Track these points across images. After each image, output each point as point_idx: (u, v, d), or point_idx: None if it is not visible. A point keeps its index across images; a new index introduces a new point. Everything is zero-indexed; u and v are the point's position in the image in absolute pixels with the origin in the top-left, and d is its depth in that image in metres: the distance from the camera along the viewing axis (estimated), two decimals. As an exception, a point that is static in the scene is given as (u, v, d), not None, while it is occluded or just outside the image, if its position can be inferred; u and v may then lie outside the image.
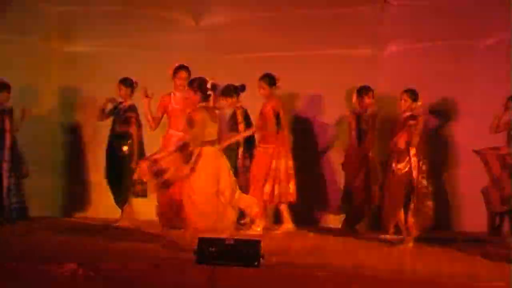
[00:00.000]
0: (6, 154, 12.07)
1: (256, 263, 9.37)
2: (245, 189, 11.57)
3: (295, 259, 10.44)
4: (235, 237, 10.02)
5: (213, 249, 9.41)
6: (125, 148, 12.41)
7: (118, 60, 13.47)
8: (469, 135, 12.53)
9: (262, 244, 9.62)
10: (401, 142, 11.24)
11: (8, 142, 12.03)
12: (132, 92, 12.45)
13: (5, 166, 12.03)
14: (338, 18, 13.12)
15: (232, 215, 10.65)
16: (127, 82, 12.46)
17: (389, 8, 13.00)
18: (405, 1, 12.95)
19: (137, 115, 12.40)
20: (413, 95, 11.35)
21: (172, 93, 12.11)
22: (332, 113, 12.85)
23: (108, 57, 13.53)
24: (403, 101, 11.37)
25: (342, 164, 12.38)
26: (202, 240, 9.63)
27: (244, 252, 9.43)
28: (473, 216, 12.57)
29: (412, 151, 11.23)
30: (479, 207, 12.10)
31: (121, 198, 12.66)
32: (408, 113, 11.31)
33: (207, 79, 10.55)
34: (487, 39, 12.87)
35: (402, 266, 10.23)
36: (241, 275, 9.20)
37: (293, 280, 9.30)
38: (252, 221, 12.05)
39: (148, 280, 8.67)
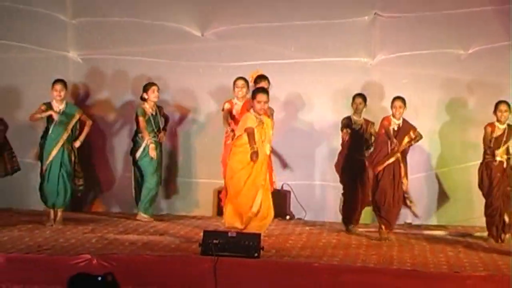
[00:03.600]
0: None
1: (256, 255, 9.37)
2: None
3: (292, 250, 10.43)
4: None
5: (217, 241, 9.37)
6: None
7: (130, 67, 13.39)
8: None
9: (262, 237, 9.61)
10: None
11: None
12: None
13: None
14: (333, 28, 13.03)
15: None
16: None
17: (379, 20, 12.89)
18: (393, 14, 12.85)
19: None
20: (404, 102, 11.28)
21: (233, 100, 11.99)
22: (326, 116, 12.66)
23: (122, 64, 13.44)
24: (398, 107, 11.28)
25: (335, 165, 12.28)
26: (206, 233, 9.60)
27: (245, 244, 9.42)
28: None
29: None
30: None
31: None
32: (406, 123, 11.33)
33: None
34: (468, 48, 12.76)
35: (390, 256, 10.21)
36: (243, 266, 9.20)
37: (290, 270, 9.33)
38: None
39: (157, 269, 8.58)
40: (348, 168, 11.97)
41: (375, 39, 13.01)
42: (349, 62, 13.05)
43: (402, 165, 11.37)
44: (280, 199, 12.85)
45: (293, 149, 12.86)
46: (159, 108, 12.45)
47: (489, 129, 11.30)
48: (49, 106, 11.91)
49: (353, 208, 11.99)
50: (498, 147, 11.17)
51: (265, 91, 10.69)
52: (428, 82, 12.81)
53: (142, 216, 12.43)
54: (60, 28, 13.44)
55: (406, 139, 11.34)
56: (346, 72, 12.97)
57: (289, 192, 12.97)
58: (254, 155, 10.30)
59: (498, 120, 11.25)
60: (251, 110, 10.57)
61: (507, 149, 10.98)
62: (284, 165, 12.91)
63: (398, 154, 11.27)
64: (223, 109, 11.67)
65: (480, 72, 12.32)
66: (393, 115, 11.34)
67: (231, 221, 10.61)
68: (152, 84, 12.34)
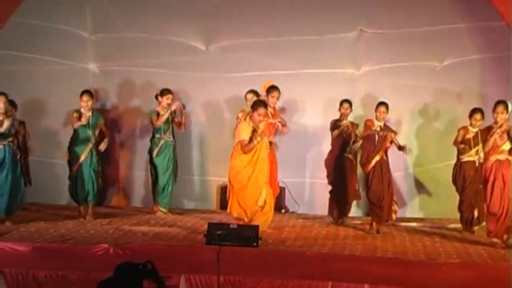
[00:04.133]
0: None
1: (255, 244, 9.39)
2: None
3: (287, 240, 10.45)
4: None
5: (220, 232, 9.41)
6: None
7: (143, 78, 13.43)
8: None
9: (259, 228, 9.65)
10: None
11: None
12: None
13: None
14: (323, 43, 13.03)
15: None
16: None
17: (364, 35, 12.92)
18: (377, 30, 12.86)
19: None
20: (388, 107, 11.32)
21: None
22: (317, 121, 12.70)
23: (136, 75, 13.47)
24: (381, 112, 11.30)
25: (325, 161, 12.30)
26: (210, 225, 9.64)
27: (245, 235, 9.45)
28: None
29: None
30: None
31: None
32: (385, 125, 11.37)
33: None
34: (443, 61, 12.79)
35: (374, 245, 10.24)
36: (243, 254, 9.24)
37: (285, 258, 9.35)
38: None
39: (166, 257, 8.62)
40: (338, 165, 12.01)
41: (361, 52, 13.01)
42: (337, 73, 13.08)
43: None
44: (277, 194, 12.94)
45: (287, 149, 12.82)
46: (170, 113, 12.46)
47: (462, 131, 11.31)
48: (79, 113, 11.97)
49: (344, 202, 12.02)
50: (471, 148, 11.20)
51: (265, 105, 10.57)
52: (407, 91, 12.81)
53: (160, 209, 12.44)
54: (81, 43, 13.47)
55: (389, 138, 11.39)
56: (335, 81, 12.98)
57: (284, 188, 12.96)
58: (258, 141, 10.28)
59: (471, 125, 11.28)
60: (247, 119, 10.52)
61: (477, 151, 10.98)
62: None
63: (382, 153, 11.32)
64: (237, 118, 11.66)
65: (453, 81, 12.34)
66: (376, 118, 11.35)
67: (239, 213, 10.54)
68: (169, 92, 12.33)
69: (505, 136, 10.35)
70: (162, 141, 12.38)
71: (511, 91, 12.42)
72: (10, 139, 11.30)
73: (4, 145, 11.24)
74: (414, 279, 8.83)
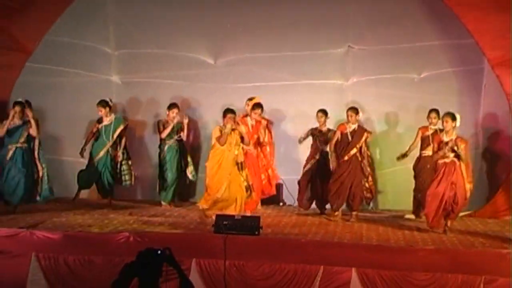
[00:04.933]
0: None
1: (256, 233, 9.40)
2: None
3: (284, 229, 10.45)
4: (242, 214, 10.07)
5: (226, 222, 9.42)
6: None
7: (159, 88, 13.39)
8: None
9: (261, 219, 9.64)
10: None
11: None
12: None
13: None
14: (315, 58, 12.98)
15: None
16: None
17: (352, 51, 12.89)
18: (363, 46, 12.81)
19: None
20: (357, 111, 11.33)
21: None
22: (310, 125, 12.50)
23: (152, 85, 13.45)
24: (349, 116, 11.28)
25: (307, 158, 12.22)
26: (218, 216, 9.65)
27: (248, 225, 9.45)
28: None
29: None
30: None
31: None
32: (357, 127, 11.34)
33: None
34: (420, 73, 12.75)
35: (360, 234, 10.23)
36: (246, 241, 9.24)
37: (283, 244, 9.37)
38: None
39: (180, 244, 8.58)
40: (317, 164, 11.99)
41: (349, 66, 12.95)
42: (328, 84, 13.02)
43: (362, 162, 11.40)
44: (276, 190, 12.91)
45: (285, 151, 12.86)
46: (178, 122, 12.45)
47: (421, 130, 11.41)
48: (100, 120, 12.09)
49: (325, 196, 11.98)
50: (429, 145, 11.17)
51: (233, 112, 10.83)
52: (389, 100, 12.78)
53: (163, 203, 12.46)
54: (105, 58, 13.46)
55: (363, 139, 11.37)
56: (326, 91, 12.92)
57: (282, 185, 12.91)
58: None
59: (430, 124, 11.28)
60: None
61: (433, 147, 10.85)
62: None
63: (352, 152, 11.25)
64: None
65: (430, 91, 12.32)
66: (348, 121, 11.36)
67: (202, 202, 10.91)
68: (175, 106, 12.36)
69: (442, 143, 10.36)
70: (166, 146, 12.40)
71: (481, 100, 12.50)
72: (22, 141, 11.29)
73: (16, 147, 11.25)
74: (395, 263, 8.85)
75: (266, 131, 12.10)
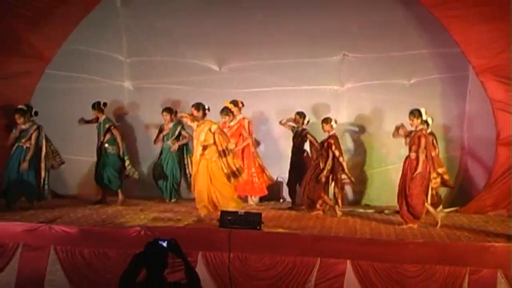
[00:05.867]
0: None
1: (258, 227, 9.42)
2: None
3: (284, 224, 10.46)
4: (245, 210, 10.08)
5: (230, 218, 9.44)
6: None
7: (168, 93, 13.39)
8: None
9: (262, 214, 9.67)
10: None
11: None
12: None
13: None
14: (313, 65, 12.99)
15: None
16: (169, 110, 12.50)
17: (347, 59, 12.91)
18: (357, 54, 12.83)
19: None
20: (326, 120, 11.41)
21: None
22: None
23: (162, 90, 13.45)
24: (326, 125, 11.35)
25: None
26: (222, 212, 9.67)
27: (250, 220, 9.47)
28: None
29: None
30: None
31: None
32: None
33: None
34: (410, 79, 12.77)
35: (354, 228, 10.25)
36: (249, 235, 9.26)
37: (283, 238, 9.36)
38: None
39: (187, 238, 8.61)
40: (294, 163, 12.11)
41: (344, 72, 12.96)
42: (325, 89, 13.04)
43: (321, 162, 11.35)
44: (276, 187, 12.96)
45: (284, 150, 12.85)
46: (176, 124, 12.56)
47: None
48: (96, 120, 12.35)
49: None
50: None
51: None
52: (382, 104, 12.78)
53: (167, 201, 12.52)
54: (118, 65, 13.49)
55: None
56: (323, 96, 12.96)
57: (282, 182, 12.95)
58: None
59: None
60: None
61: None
62: None
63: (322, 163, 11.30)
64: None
65: (419, 96, 12.31)
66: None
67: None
68: (162, 111, 12.55)
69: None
70: (164, 146, 12.54)
71: (466, 104, 12.52)
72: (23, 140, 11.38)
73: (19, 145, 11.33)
74: (387, 255, 8.85)
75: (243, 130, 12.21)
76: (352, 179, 11.54)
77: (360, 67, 12.90)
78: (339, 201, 11.33)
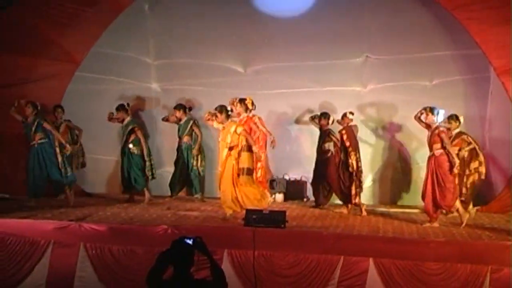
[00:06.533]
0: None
1: (283, 226, 9.40)
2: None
3: (308, 222, 10.45)
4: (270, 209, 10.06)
5: (255, 216, 9.43)
6: None
7: (193, 94, 13.41)
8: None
9: (287, 213, 9.65)
10: None
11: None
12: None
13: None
14: (336, 66, 12.97)
15: None
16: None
17: (369, 60, 12.87)
18: (379, 56, 12.78)
19: None
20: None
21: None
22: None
23: (187, 92, 13.47)
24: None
25: None
26: (247, 211, 9.66)
27: (275, 218, 9.45)
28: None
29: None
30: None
31: None
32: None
33: None
34: (432, 80, 12.71)
35: (377, 227, 10.21)
36: (273, 234, 9.23)
37: (306, 237, 9.36)
38: None
39: (213, 236, 8.62)
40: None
41: (366, 74, 12.93)
42: (347, 91, 13.01)
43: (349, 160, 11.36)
44: (300, 187, 12.95)
45: (309, 151, 12.83)
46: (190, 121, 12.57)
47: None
48: (121, 121, 12.27)
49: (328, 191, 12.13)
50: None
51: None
52: (403, 105, 12.68)
53: (195, 196, 12.58)
54: (145, 67, 13.53)
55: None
56: (345, 97, 12.90)
57: (306, 182, 12.93)
58: None
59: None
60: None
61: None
62: None
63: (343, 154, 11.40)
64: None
65: (441, 97, 12.21)
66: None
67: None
68: (177, 106, 12.60)
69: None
70: (180, 143, 12.55)
71: (488, 105, 12.42)
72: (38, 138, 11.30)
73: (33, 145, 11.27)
74: (409, 253, 8.81)
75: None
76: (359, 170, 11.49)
77: (382, 69, 12.85)
78: (358, 197, 11.36)
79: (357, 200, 11.34)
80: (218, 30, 13.16)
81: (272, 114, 12.73)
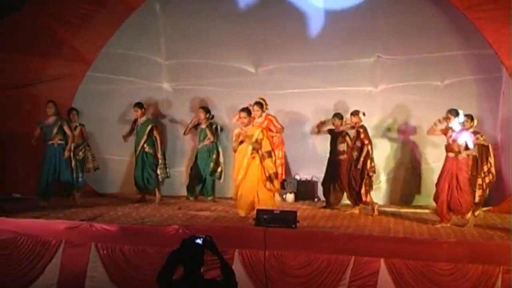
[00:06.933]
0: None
1: (294, 226, 9.39)
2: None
3: (319, 223, 10.44)
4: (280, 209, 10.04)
5: (266, 216, 9.41)
6: None
7: (204, 94, 13.41)
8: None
9: (298, 213, 9.64)
10: None
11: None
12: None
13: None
14: (347, 67, 12.96)
15: None
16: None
17: (380, 60, 12.84)
18: (391, 56, 12.76)
19: None
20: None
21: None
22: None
23: (199, 92, 13.48)
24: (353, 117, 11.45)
25: None
26: (258, 211, 9.65)
27: (286, 218, 9.44)
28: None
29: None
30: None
31: None
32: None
33: None
34: (444, 80, 12.67)
35: (388, 227, 10.18)
36: (284, 234, 9.22)
37: (317, 237, 9.34)
38: None
39: (224, 236, 8.59)
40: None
41: (377, 74, 12.90)
42: (358, 91, 12.98)
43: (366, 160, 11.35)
44: (310, 187, 12.93)
45: (318, 152, 12.82)
46: (210, 124, 12.57)
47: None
48: (134, 122, 12.26)
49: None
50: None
51: (243, 110, 10.79)
52: (415, 105, 12.70)
53: (206, 198, 12.56)
54: (156, 67, 13.55)
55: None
56: (357, 97, 12.84)
57: (316, 182, 12.91)
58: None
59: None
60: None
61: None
62: None
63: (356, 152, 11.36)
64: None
65: (452, 97, 12.17)
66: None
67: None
68: (199, 108, 12.64)
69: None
70: (200, 146, 12.53)
71: (500, 105, 12.36)
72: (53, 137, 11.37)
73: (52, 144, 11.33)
74: (420, 254, 8.78)
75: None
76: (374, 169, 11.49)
77: (394, 69, 12.82)
78: (368, 196, 11.33)
79: (368, 199, 11.31)
80: (229, 30, 13.17)
81: (282, 114, 12.71)
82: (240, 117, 10.76)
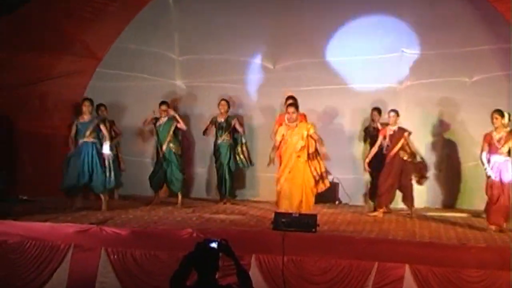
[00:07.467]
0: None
1: (313, 230, 9.35)
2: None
3: (339, 227, 10.39)
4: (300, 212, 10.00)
5: (284, 220, 9.38)
6: None
7: (220, 91, 13.29)
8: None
9: (317, 217, 9.59)
10: None
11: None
12: None
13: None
14: (372, 62, 12.89)
15: None
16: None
17: (405, 56, 12.79)
18: (416, 51, 12.73)
19: None
20: (397, 112, 11.46)
21: None
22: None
23: (214, 89, 13.43)
24: (391, 117, 11.42)
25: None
26: (276, 214, 9.62)
27: (305, 222, 9.41)
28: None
29: None
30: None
31: None
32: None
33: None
34: (472, 77, 12.57)
35: (413, 231, 10.12)
36: (303, 238, 9.19)
37: (338, 241, 9.29)
38: None
39: (240, 240, 8.54)
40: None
41: (402, 70, 12.85)
42: (383, 87, 12.91)
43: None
44: (331, 189, 12.84)
45: (339, 151, 12.74)
46: (229, 118, 12.50)
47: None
48: (156, 120, 12.15)
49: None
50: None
51: (291, 105, 10.77)
52: (442, 102, 12.64)
53: (230, 199, 12.52)
54: (170, 63, 13.58)
55: (401, 142, 11.30)
56: (381, 94, 12.81)
57: (338, 184, 12.87)
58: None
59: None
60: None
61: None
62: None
63: (394, 151, 11.24)
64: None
65: (481, 94, 12.10)
66: (389, 123, 11.43)
67: None
68: (222, 99, 12.52)
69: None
70: (218, 142, 12.46)
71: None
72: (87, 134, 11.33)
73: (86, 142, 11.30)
74: (447, 259, 8.70)
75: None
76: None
77: (419, 65, 12.77)
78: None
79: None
80: (246, 25, 13.16)
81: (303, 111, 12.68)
82: (288, 113, 10.67)
